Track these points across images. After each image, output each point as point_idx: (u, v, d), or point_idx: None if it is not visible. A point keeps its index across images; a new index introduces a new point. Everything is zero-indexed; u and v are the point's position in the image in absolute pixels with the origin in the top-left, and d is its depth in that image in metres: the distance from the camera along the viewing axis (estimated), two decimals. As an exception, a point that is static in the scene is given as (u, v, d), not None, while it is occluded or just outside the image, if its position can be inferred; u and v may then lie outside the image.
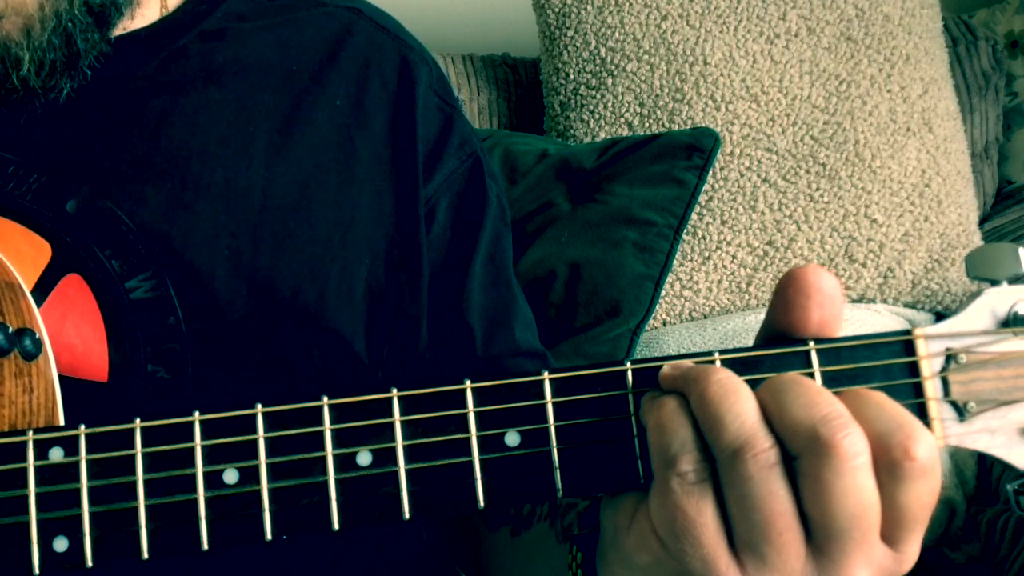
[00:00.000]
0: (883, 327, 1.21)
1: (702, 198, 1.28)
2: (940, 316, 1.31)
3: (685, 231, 1.25)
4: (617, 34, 1.38)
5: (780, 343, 0.43)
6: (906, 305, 1.28)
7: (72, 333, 0.57)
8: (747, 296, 1.27)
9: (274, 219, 0.62)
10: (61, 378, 0.54)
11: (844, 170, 1.28)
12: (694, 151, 1.21)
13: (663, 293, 1.26)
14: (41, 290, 0.57)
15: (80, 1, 0.57)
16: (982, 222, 1.43)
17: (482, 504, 0.42)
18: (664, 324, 1.29)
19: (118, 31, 0.64)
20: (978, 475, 1.12)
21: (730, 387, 0.39)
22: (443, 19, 1.81)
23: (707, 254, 1.27)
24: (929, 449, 0.37)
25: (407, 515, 0.42)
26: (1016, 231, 1.39)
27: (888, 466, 0.38)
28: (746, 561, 0.39)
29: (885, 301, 1.27)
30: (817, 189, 1.27)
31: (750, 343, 1.18)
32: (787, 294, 0.42)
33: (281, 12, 0.69)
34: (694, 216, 1.28)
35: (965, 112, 1.49)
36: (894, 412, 0.39)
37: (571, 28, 1.41)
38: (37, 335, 0.50)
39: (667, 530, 0.40)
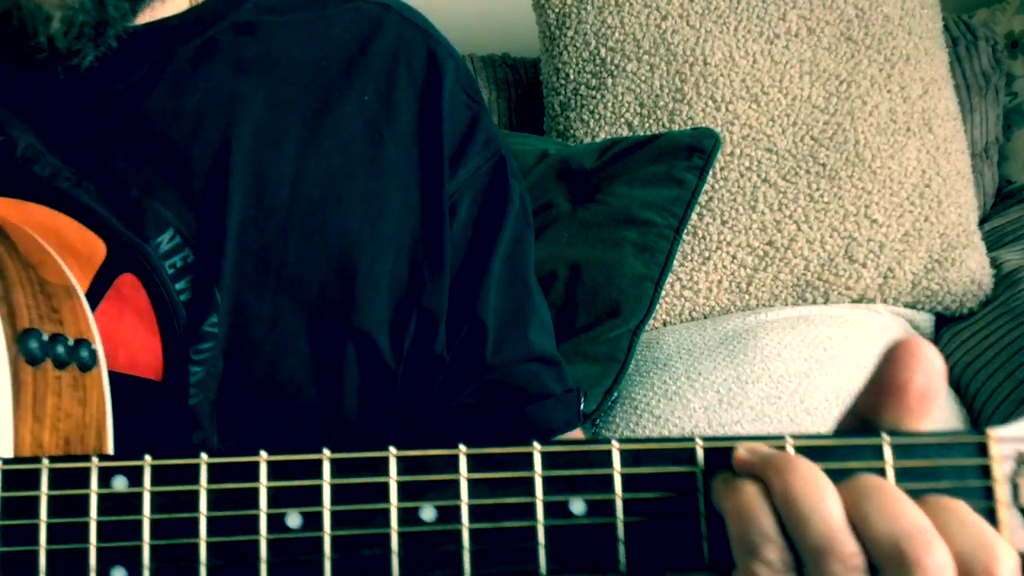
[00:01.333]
0: (883, 327, 1.21)
1: (702, 198, 1.28)
2: (940, 316, 1.31)
3: (685, 231, 1.25)
4: (617, 34, 1.38)
5: (855, 433, 0.42)
6: (906, 305, 1.28)
7: (128, 332, 0.57)
8: (747, 296, 1.27)
9: (303, 212, 0.62)
10: (119, 376, 0.54)
11: (844, 170, 1.28)
12: (694, 151, 1.21)
13: (663, 293, 1.26)
14: (97, 290, 0.57)
15: None
16: (982, 222, 1.43)
17: (544, 571, 0.41)
18: (664, 324, 1.29)
19: (147, 18, 0.64)
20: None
21: (816, 484, 0.39)
22: (443, 19, 1.80)
23: (707, 254, 1.27)
24: (1012, 573, 0.37)
25: (467, 575, 0.41)
26: (1016, 231, 1.39)
27: None
28: None
29: (885, 301, 1.27)
30: (817, 189, 1.27)
31: (750, 343, 1.18)
32: (896, 352, 0.41)
33: (311, 7, 0.69)
34: (694, 216, 1.28)
35: (965, 112, 1.49)
36: (975, 529, 0.38)
37: (571, 28, 1.41)
38: (93, 345, 0.49)
39: None
